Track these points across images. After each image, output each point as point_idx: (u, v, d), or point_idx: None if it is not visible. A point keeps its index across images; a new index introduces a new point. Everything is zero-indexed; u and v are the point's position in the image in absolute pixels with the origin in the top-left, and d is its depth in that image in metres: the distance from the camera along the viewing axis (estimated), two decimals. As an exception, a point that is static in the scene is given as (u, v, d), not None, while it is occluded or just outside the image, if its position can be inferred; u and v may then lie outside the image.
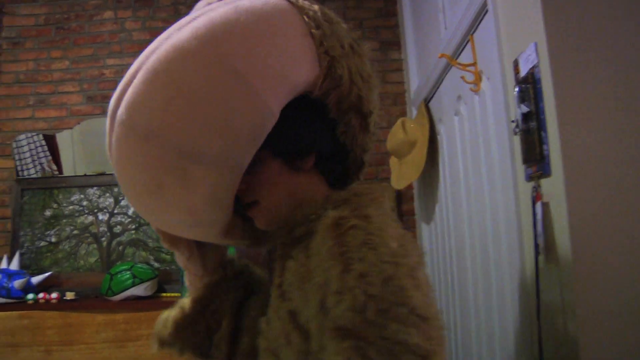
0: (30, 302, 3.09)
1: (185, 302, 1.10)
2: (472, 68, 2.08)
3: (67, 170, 3.51)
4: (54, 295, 3.15)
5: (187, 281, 1.14)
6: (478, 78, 2.02)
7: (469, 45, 2.08)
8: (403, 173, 3.01)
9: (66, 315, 3.08)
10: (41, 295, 3.17)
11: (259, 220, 0.98)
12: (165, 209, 0.90)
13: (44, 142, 3.53)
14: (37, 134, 3.55)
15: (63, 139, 3.54)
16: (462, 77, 2.11)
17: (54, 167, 3.51)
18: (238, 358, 1.05)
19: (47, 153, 3.52)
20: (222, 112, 0.82)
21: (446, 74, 2.48)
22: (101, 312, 3.03)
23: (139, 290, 3.11)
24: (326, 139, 0.99)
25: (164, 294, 3.28)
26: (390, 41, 3.57)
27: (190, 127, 0.82)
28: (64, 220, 3.48)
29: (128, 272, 3.12)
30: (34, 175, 3.53)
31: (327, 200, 0.90)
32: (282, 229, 0.93)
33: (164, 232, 1.04)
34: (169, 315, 1.12)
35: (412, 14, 3.28)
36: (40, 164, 3.52)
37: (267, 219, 0.97)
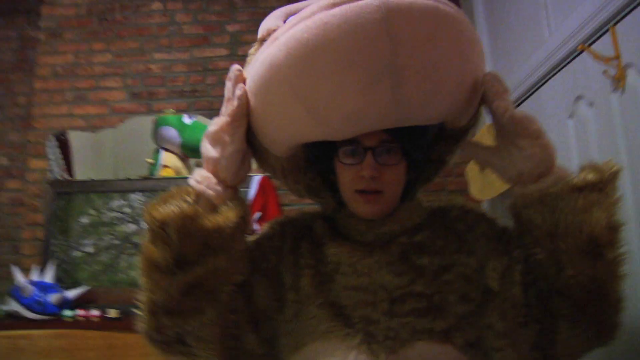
0: (69, 319, 2.73)
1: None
2: (614, 62, 1.82)
3: (107, 173, 3.17)
4: (95, 312, 2.79)
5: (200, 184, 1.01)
6: (622, 74, 1.75)
7: (604, 39, 1.83)
8: (490, 182, 2.71)
9: (110, 336, 2.74)
10: (80, 312, 2.80)
11: (373, 206, 1.03)
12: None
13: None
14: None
15: (104, 138, 3.21)
16: (605, 72, 1.84)
17: (66, 174, 3.17)
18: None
19: (60, 156, 3.20)
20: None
21: (553, 75, 2.23)
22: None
23: None
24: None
25: None
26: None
27: None
28: (103, 229, 3.13)
29: None
30: (67, 178, 3.18)
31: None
32: (403, 232, 1.07)
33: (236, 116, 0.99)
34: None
35: (486, 21, 3.05)
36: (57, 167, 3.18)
37: (381, 209, 1.04)
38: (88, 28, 3.33)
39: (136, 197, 3.16)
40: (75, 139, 3.24)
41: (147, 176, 3.15)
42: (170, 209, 0.93)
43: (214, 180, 0.99)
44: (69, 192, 3.16)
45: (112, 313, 2.82)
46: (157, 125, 3.13)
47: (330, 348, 0.98)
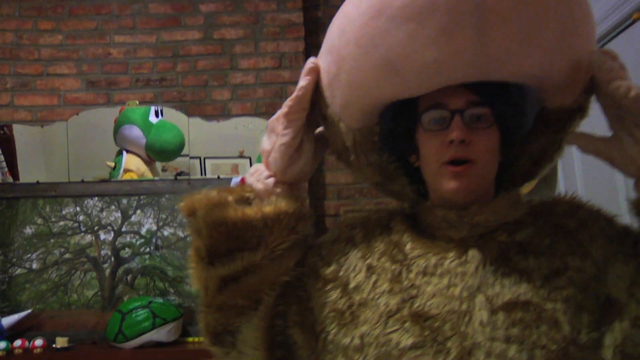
0: (1, 353, 2.31)
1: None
2: None
3: (59, 175, 2.69)
4: (37, 342, 2.38)
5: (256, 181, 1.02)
6: None
7: None
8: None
9: (56, 371, 2.31)
10: (18, 342, 2.37)
11: (463, 180, 0.91)
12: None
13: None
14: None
15: (54, 133, 2.74)
16: None
17: (9, 178, 2.71)
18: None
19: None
20: None
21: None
22: None
23: (161, 334, 2.39)
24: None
25: (189, 339, 2.54)
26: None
27: None
28: (52, 241, 2.65)
29: (146, 310, 2.38)
30: (10, 180, 2.68)
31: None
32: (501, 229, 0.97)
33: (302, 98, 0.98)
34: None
35: None
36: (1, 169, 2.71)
37: (474, 184, 0.93)
38: (33, 2, 2.85)
39: (93, 203, 2.68)
40: (20, 134, 2.74)
41: (106, 178, 2.68)
42: (198, 196, 0.95)
43: (265, 173, 1.00)
44: (10, 197, 2.69)
45: (60, 342, 2.35)
46: (119, 124, 2.75)
47: None
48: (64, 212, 2.67)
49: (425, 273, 0.94)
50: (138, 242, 2.68)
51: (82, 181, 2.69)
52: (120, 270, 2.64)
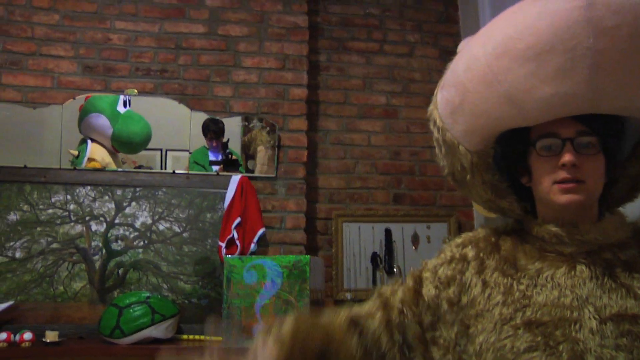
0: None
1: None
2: None
3: (50, 161, 2.55)
4: (26, 335, 2.23)
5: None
6: None
7: None
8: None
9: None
10: (3, 335, 2.25)
11: (574, 195, 1.00)
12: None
13: None
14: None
15: (46, 116, 2.61)
16: None
17: None
18: None
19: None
20: None
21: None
22: None
23: (159, 330, 2.33)
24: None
25: (184, 336, 2.48)
26: (451, 50, 3.16)
27: None
28: (38, 229, 2.52)
29: (144, 306, 2.32)
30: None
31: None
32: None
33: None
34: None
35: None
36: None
37: (584, 199, 1.01)
38: (28, -23, 2.70)
39: (85, 192, 2.58)
40: (7, 114, 2.58)
41: (101, 167, 2.58)
42: None
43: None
44: (-7, 180, 2.51)
45: (51, 336, 2.24)
46: (86, 112, 2.64)
47: None
48: (53, 200, 2.55)
49: (537, 284, 1.02)
50: (132, 235, 2.59)
51: (75, 168, 2.57)
52: (112, 263, 2.54)
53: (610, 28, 0.89)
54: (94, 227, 2.57)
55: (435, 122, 1.16)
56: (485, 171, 1.13)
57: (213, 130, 2.76)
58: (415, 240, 2.92)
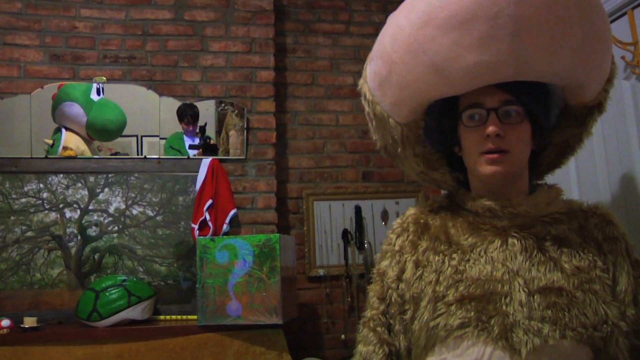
0: None
1: None
2: (631, 48, 1.78)
3: (20, 150, 2.58)
4: (4, 322, 2.28)
5: None
6: (639, 60, 1.73)
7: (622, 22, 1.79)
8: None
9: (27, 352, 2.20)
10: None
11: (499, 165, 1.01)
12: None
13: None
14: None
15: (14, 106, 2.61)
16: (623, 57, 1.78)
17: None
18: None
19: None
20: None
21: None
22: (82, 344, 2.24)
23: (136, 312, 2.37)
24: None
25: (161, 317, 2.53)
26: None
27: None
28: (12, 218, 2.54)
29: (120, 289, 2.36)
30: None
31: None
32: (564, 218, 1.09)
33: None
34: None
35: None
36: None
37: (509, 169, 1.02)
38: (-11, -36, 2.67)
39: (58, 180, 2.61)
40: (-26, 105, 2.59)
41: (74, 154, 2.61)
42: None
43: None
44: (-36, 171, 2.53)
45: (29, 322, 2.28)
46: (59, 100, 2.64)
47: (465, 344, 0.97)
48: (25, 189, 2.57)
49: (470, 259, 1.04)
50: (106, 221, 2.62)
51: (46, 157, 2.59)
52: (87, 249, 2.58)
53: None
54: (68, 214, 2.59)
55: (365, 96, 1.16)
56: (416, 143, 1.15)
57: (191, 115, 2.76)
58: (384, 216, 2.96)
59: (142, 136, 2.74)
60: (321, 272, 2.90)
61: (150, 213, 2.68)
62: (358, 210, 2.96)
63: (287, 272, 2.38)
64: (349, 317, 2.85)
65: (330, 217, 2.97)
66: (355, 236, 2.94)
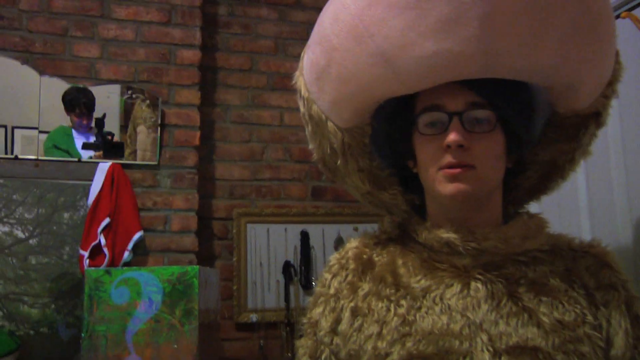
0: None
1: None
2: None
3: None
4: None
5: None
6: None
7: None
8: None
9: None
10: None
11: (461, 184, 0.92)
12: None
13: None
14: None
15: None
16: None
17: None
18: None
19: None
20: None
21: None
22: None
23: None
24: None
25: None
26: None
27: None
28: None
29: None
30: None
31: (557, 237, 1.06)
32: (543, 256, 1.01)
33: None
34: None
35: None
36: None
37: (474, 188, 0.93)
38: None
39: None
40: None
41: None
42: None
43: None
44: None
45: None
46: None
47: None
48: None
49: (422, 307, 0.95)
50: None
51: None
52: None
53: None
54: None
55: (300, 93, 1.07)
56: (361, 155, 1.07)
57: (83, 103, 2.42)
58: (339, 245, 2.55)
59: (13, 127, 2.35)
60: (254, 317, 2.67)
61: (20, 234, 2.32)
62: (305, 236, 2.76)
63: (208, 316, 2.18)
64: (291, 376, 2.58)
65: (268, 245, 2.74)
66: (300, 271, 2.73)
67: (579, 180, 1.93)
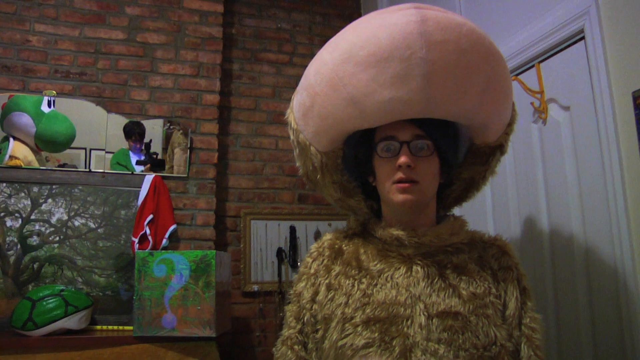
0: None
1: None
2: (538, 95, 1.94)
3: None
4: None
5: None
6: (545, 107, 1.91)
7: (530, 73, 1.97)
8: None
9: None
10: None
11: (409, 194, 1.04)
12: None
13: None
14: None
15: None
16: (532, 103, 1.96)
17: None
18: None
19: None
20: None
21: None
22: (15, 354, 2.20)
23: (72, 322, 2.36)
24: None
25: (98, 327, 2.55)
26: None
27: None
28: (-48, 224, 2.54)
29: (57, 298, 2.35)
30: None
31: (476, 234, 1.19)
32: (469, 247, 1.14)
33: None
34: None
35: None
36: None
37: (418, 198, 1.05)
38: None
39: (1, 189, 2.63)
40: None
41: (21, 164, 2.64)
42: None
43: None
44: None
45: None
46: (8, 110, 2.66)
47: None
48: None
49: (377, 284, 1.07)
50: (48, 231, 2.64)
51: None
52: (27, 258, 2.59)
53: (440, 42, 0.95)
54: (9, 223, 2.60)
55: (290, 125, 1.20)
56: (335, 171, 1.18)
57: (137, 132, 2.79)
58: (317, 236, 3.03)
59: (90, 149, 2.75)
60: (255, 287, 2.94)
61: (92, 225, 2.70)
62: (293, 230, 3.02)
63: (222, 287, 2.40)
64: (281, 331, 2.85)
65: (266, 235, 3.01)
66: (289, 255, 2.98)
67: (486, 192, 2.14)
